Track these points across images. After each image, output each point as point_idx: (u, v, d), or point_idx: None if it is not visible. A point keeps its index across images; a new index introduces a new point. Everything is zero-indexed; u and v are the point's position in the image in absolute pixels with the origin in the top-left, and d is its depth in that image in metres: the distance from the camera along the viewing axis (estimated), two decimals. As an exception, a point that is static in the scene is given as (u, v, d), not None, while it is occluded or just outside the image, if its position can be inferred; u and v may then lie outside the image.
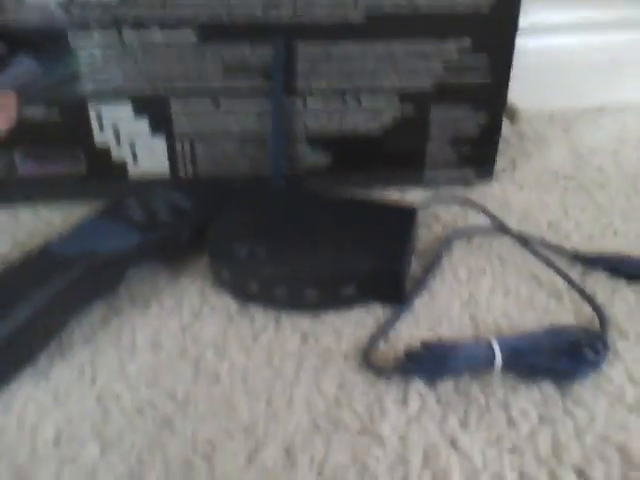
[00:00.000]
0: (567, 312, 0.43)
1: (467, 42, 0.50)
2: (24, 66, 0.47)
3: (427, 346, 0.39)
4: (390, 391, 0.37)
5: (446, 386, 0.38)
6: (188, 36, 0.48)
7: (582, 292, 0.44)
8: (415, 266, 0.47)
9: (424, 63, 0.50)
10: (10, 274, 0.41)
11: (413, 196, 0.55)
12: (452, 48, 0.50)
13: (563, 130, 0.65)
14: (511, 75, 0.52)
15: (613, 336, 0.41)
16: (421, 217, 0.51)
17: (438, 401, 0.37)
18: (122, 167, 0.52)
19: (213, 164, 0.53)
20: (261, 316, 0.43)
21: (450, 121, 0.53)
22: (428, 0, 0.47)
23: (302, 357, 0.39)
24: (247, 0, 0.47)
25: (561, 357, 0.39)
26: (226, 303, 0.44)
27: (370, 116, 0.52)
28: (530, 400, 0.37)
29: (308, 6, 0.47)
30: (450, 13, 0.48)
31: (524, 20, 0.50)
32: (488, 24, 0.49)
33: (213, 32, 0.48)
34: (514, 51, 0.51)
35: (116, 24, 0.47)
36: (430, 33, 0.49)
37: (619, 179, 0.58)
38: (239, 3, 0.47)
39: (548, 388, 0.37)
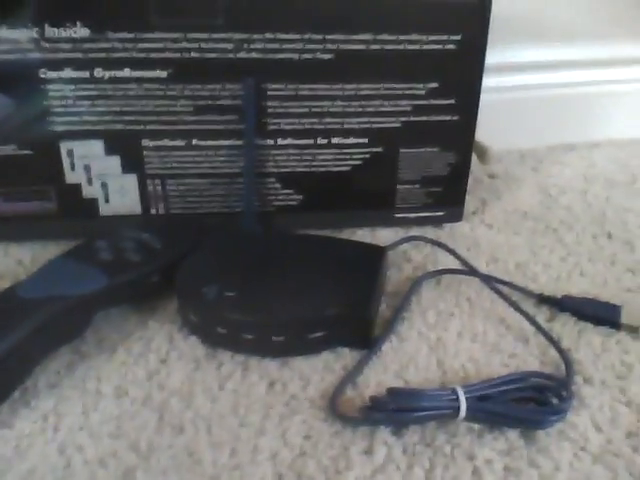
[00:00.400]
0: (533, 357, 0.43)
1: (434, 84, 0.51)
2: None
3: (393, 393, 0.39)
4: (356, 441, 0.37)
5: (412, 435, 0.38)
6: (159, 75, 0.48)
7: (548, 336, 0.44)
8: (384, 307, 0.47)
9: (392, 104, 0.51)
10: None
11: (383, 236, 0.56)
12: (420, 90, 0.51)
13: (533, 169, 0.66)
14: (482, 115, 0.53)
15: (578, 382, 0.41)
16: (391, 257, 0.51)
17: (404, 451, 0.37)
18: (93, 205, 0.52)
19: (184, 202, 0.53)
20: (229, 361, 0.42)
21: (419, 161, 0.54)
22: (395, 42, 0.48)
23: (268, 405, 0.39)
24: (217, 40, 0.47)
25: (526, 405, 0.39)
26: (193, 347, 0.43)
27: (340, 156, 0.53)
28: (495, 449, 0.37)
29: (278, 46, 0.48)
30: (417, 54, 0.49)
31: (491, 59, 0.51)
32: (454, 65, 0.50)
33: (184, 71, 0.48)
34: (481, 90, 0.52)
35: (87, 62, 0.47)
36: (398, 75, 0.50)
37: (587, 219, 0.59)
38: (210, 43, 0.47)
39: (513, 436, 0.38)
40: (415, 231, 0.56)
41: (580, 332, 0.46)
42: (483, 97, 0.52)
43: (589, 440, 0.38)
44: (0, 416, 0.38)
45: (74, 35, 0.46)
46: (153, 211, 0.53)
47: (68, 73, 0.47)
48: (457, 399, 0.37)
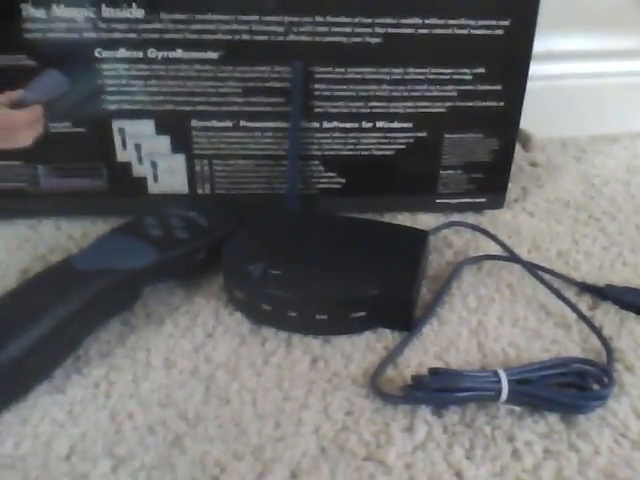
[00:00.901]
0: (574, 343, 0.43)
1: (481, 69, 0.51)
2: (52, 80, 0.48)
3: (435, 373, 0.39)
4: (397, 418, 0.38)
5: (452, 415, 0.38)
6: (210, 56, 0.49)
7: (590, 324, 0.44)
8: (425, 291, 0.48)
9: (438, 89, 0.51)
10: (31, 288, 0.42)
11: (425, 221, 0.56)
12: (466, 75, 0.51)
13: (575, 158, 0.66)
14: (524, 102, 0.53)
15: (619, 370, 0.41)
16: (433, 242, 0.52)
17: (444, 430, 0.37)
18: (142, 184, 0.53)
19: (230, 182, 0.54)
20: (273, 338, 0.43)
21: (463, 147, 0.54)
22: (443, 27, 0.48)
23: (311, 381, 0.40)
24: (268, 23, 0.48)
25: (567, 390, 0.39)
26: (239, 323, 0.45)
27: (384, 140, 0.53)
28: (535, 432, 0.37)
29: (327, 30, 0.48)
30: (465, 38, 0.49)
31: (538, 47, 0.51)
32: (502, 51, 0.50)
33: (234, 53, 0.49)
34: (527, 78, 0.52)
35: (141, 42, 0.48)
36: (445, 59, 0.50)
37: (630, 209, 0.58)
38: (260, 25, 0.48)
39: (553, 420, 0.38)
40: (456, 217, 0.56)
41: (622, 320, 0.46)
42: (528, 84, 0.52)
43: (629, 427, 0.38)
44: (54, 381, 0.40)
45: (129, 15, 0.47)
46: (200, 191, 0.54)
47: (122, 53, 0.48)
48: (499, 381, 0.38)
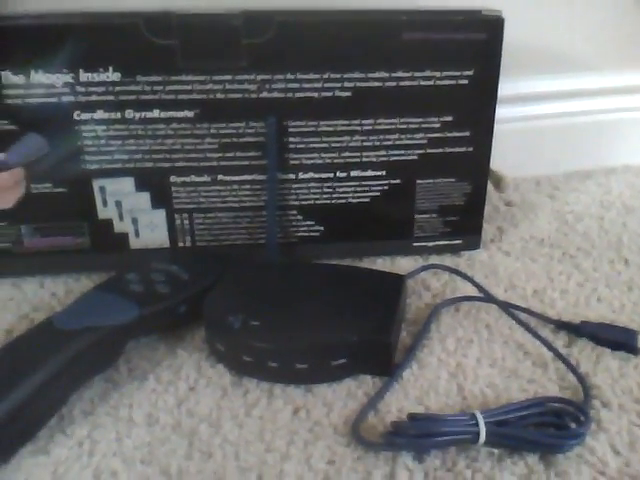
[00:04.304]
0: (552, 382, 0.44)
1: (449, 117, 0.53)
2: (33, 143, 0.49)
3: (413, 419, 0.40)
4: (378, 465, 0.38)
5: (434, 460, 0.39)
6: (186, 115, 0.50)
7: (566, 362, 0.45)
8: (404, 335, 0.49)
9: (409, 137, 0.53)
10: (14, 348, 0.43)
11: (403, 264, 0.57)
12: (435, 123, 0.53)
13: (549, 196, 0.68)
14: (496, 143, 0.55)
15: (597, 406, 0.42)
16: (411, 285, 0.53)
17: (425, 476, 0.38)
18: (124, 239, 0.54)
19: (210, 234, 0.55)
20: (254, 389, 0.44)
21: (436, 191, 0.55)
22: (409, 79, 0.50)
23: (293, 431, 0.41)
24: (241, 81, 0.49)
25: (545, 430, 0.40)
26: (221, 375, 0.45)
27: (359, 188, 0.55)
28: (515, 474, 0.38)
29: (298, 86, 0.50)
30: (432, 89, 0.51)
31: (506, 90, 0.53)
32: (468, 99, 0.52)
33: (210, 111, 0.50)
34: (494, 123, 0.54)
35: (118, 104, 0.50)
36: (413, 109, 0.52)
37: (603, 245, 0.60)
38: (234, 84, 0.50)
39: (532, 461, 0.38)
40: (433, 259, 0.58)
41: (598, 357, 0.46)
42: (498, 127, 0.54)
43: (607, 464, 0.38)
44: (38, 443, 0.40)
45: (106, 79, 0.49)
46: (181, 244, 0.55)
47: (100, 115, 0.50)
48: (477, 424, 0.38)
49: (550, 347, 0.46)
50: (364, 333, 0.44)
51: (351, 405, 0.43)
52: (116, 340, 0.45)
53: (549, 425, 0.40)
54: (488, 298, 0.51)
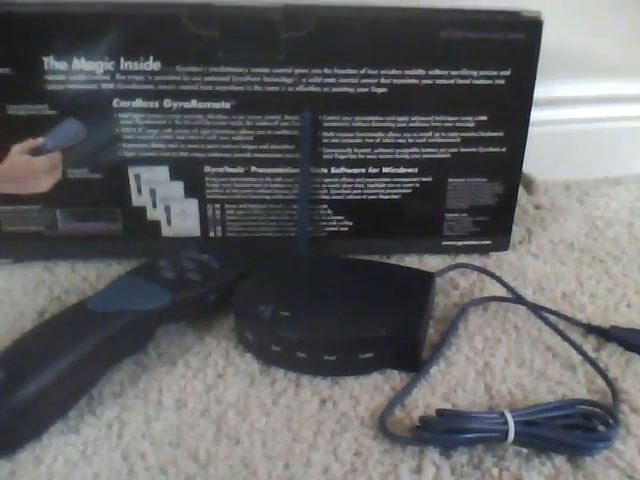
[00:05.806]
0: (580, 385, 0.44)
1: (483, 117, 0.53)
2: (71, 128, 0.51)
3: (442, 414, 0.40)
4: (405, 459, 0.38)
5: (460, 456, 0.39)
6: (223, 106, 0.51)
7: (595, 365, 0.45)
8: (432, 332, 0.49)
9: (442, 136, 0.53)
10: (48, 328, 0.44)
11: (432, 262, 0.57)
12: (469, 122, 0.53)
13: (578, 201, 0.67)
14: (527, 146, 0.54)
15: (625, 411, 0.42)
16: (439, 283, 0.53)
17: (452, 472, 0.38)
18: (156, 227, 0.55)
19: (241, 226, 0.56)
20: (282, 378, 0.44)
21: (467, 190, 0.55)
22: (446, 77, 0.50)
23: (320, 422, 0.41)
24: (278, 75, 0.50)
25: (574, 431, 0.40)
26: (249, 364, 0.45)
27: (391, 185, 0.55)
28: (542, 474, 0.38)
29: (335, 80, 0.50)
30: (467, 88, 0.51)
31: (540, 93, 0.53)
32: (503, 99, 0.52)
33: (246, 103, 0.51)
34: (529, 124, 0.54)
35: (157, 93, 0.50)
36: (448, 108, 0.52)
37: (633, 251, 0.59)
38: (271, 77, 0.50)
39: (560, 461, 0.38)
40: (461, 259, 0.57)
41: (627, 362, 0.46)
42: (531, 129, 0.54)
43: (635, 468, 0.38)
44: (68, 422, 0.41)
45: (146, 68, 0.49)
46: (211, 234, 0.56)
47: (139, 103, 0.50)
48: (506, 423, 0.38)
49: (579, 350, 0.46)
50: (393, 328, 0.44)
51: (378, 399, 0.43)
52: (148, 324, 0.45)
53: (578, 427, 0.40)
54: (518, 299, 0.51)
